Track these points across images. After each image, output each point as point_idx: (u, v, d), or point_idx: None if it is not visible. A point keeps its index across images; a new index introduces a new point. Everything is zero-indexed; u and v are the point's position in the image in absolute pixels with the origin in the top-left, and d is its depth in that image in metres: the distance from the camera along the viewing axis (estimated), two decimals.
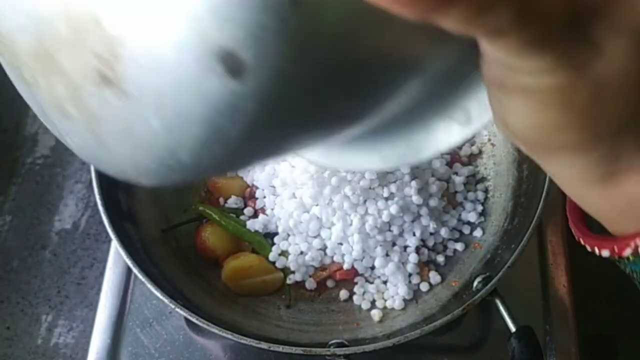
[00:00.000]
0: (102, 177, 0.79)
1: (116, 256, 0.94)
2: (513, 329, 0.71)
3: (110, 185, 0.82)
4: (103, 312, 0.90)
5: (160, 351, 0.87)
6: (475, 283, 0.79)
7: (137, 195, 0.88)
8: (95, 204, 1.30)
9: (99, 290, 0.93)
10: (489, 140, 0.96)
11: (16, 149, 1.36)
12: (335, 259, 0.87)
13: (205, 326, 0.71)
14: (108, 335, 0.89)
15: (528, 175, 0.87)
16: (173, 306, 0.72)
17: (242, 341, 0.71)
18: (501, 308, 0.73)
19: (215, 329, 0.71)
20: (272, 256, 0.87)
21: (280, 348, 0.71)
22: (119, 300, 0.91)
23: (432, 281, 0.87)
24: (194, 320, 0.72)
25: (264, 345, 0.71)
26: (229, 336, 0.71)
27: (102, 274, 0.95)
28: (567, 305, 0.91)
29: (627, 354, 1.25)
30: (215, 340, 0.89)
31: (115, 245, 0.95)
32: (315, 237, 0.87)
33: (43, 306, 1.21)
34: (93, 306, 1.20)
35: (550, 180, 0.79)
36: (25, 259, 1.25)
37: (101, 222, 1.29)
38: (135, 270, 0.74)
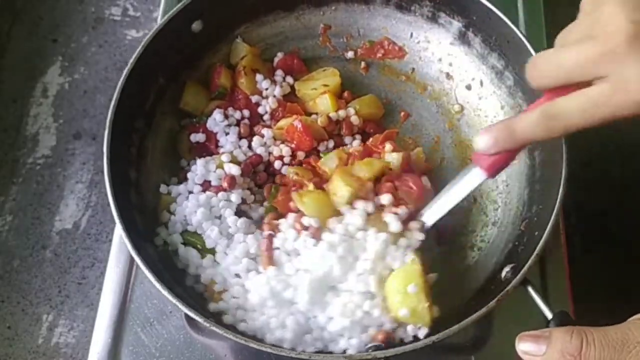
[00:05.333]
0: (118, 198, 0.78)
1: (117, 256, 0.94)
2: (550, 315, 0.70)
3: (128, 210, 0.82)
4: (104, 312, 0.90)
5: (160, 350, 0.87)
6: (503, 273, 0.79)
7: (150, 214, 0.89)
8: (96, 204, 1.31)
9: (100, 290, 0.93)
10: None
11: (17, 149, 1.36)
12: None
13: (232, 338, 0.70)
14: (109, 334, 0.89)
15: (541, 162, 0.87)
16: (201, 320, 0.71)
17: (282, 353, 0.70)
18: (534, 295, 0.72)
19: (253, 344, 0.70)
20: None
21: (320, 357, 0.71)
22: (119, 300, 0.91)
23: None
24: (221, 332, 0.70)
25: (304, 356, 0.71)
26: (268, 350, 0.70)
27: (102, 273, 0.95)
28: (567, 304, 0.91)
29: None
30: (216, 339, 0.89)
31: (115, 245, 0.96)
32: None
33: (44, 306, 1.21)
34: (94, 306, 1.20)
35: (566, 165, 0.79)
36: (26, 259, 1.25)
37: (102, 222, 1.30)
38: (158, 286, 0.72)
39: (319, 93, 0.97)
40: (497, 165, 0.71)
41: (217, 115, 0.94)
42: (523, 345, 0.55)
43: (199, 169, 0.89)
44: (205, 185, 0.89)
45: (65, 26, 1.51)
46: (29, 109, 1.41)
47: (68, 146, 1.37)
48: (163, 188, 0.89)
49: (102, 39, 1.50)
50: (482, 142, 0.66)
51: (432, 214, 0.82)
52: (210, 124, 0.94)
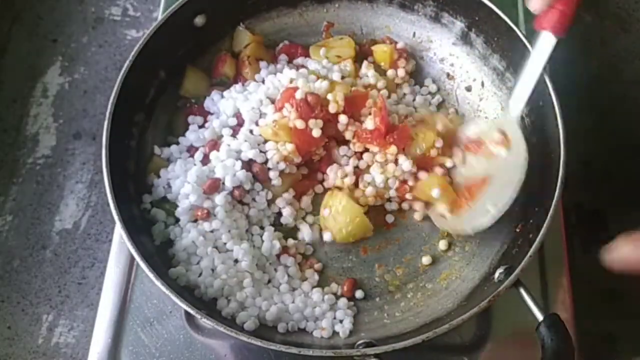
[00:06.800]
0: (118, 195, 0.79)
1: (117, 256, 0.94)
2: (540, 317, 0.71)
3: (126, 202, 0.82)
4: (104, 312, 0.90)
5: (160, 350, 0.87)
6: (497, 274, 0.80)
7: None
8: (96, 204, 1.30)
9: (100, 290, 0.93)
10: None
11: (17, 149, 1.36)
12: None
13: (234, 335, 0.71)
14: (109, 334, 0.89)
15: (539, 165, 0.87)
16: (199, 317, 0.72)
17: (272, 347, 0.70)
18: (526, 297, 0.73)
19: (243, 337, 0.71)
20: None
21: (310, 352, 0.71)
22: (119, 299, 0.91)
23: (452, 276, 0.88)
24: (221, 329, 0.71)
25: (294, 350, 0.70)
26: (258, 343, 0.71)
27: (102, 273, 0.95)
28: (567, 304, 0.91)
29: (627, 353, 1.25)
30: (216, 339, 0.89)
31: (115, 245, 0.96)
32: None
33: (44, 306, 1.21)
34: (94, 306, 1.20)
35: (565, 168, 0.79)
36: (26, 259, 1.25)
37: (102, 222, 1.29)
38: (156, 280, 0.73)
39: (333, 62, 0.97)
40: (562, 20, 0.65)
41: (215, 95, 0.94)
42: (622, 251, 0.53)
43: (190, 132, 0.92)
44: (193, 151, 0.91)
45: (65, 26, 1.51)
46: (29, 109, 1.41)
47: (68, 146, 1.37)
48: (157, 150, 0.90)
49: (102, 39, 1.50)
50: (533, 2, 0.61)
51: (516, 100, 0.79)
52: (207, 103, 0.95)
